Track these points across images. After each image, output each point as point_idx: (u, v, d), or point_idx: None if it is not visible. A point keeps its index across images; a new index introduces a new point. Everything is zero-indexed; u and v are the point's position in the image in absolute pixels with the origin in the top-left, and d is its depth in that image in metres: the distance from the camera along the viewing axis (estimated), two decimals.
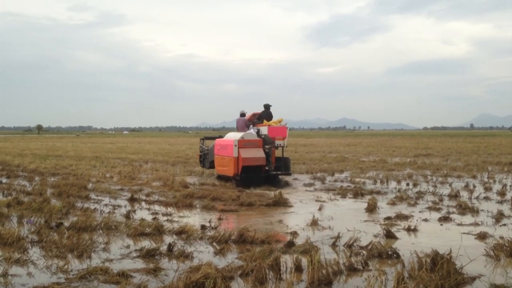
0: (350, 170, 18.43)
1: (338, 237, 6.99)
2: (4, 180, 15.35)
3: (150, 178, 15.31)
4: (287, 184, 14.34)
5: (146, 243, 6.93)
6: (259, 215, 9.61)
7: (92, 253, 6.43)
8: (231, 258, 6.23)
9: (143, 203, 10.84)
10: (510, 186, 13.40)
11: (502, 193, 11.88)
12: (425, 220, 8.75)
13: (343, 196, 11.90)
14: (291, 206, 10.43)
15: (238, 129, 15.84)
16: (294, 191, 12.94)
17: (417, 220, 8.64)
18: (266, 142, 14.29)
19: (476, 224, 8.34)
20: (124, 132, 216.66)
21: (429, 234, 7.60)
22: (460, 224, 8.35)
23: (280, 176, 15.14)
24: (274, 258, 5.58)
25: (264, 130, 14.82)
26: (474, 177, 15.88)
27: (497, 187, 13.21)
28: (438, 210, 9.77)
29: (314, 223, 8.33)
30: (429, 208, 9.93)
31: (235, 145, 13.61)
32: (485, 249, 6.38)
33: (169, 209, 10.05)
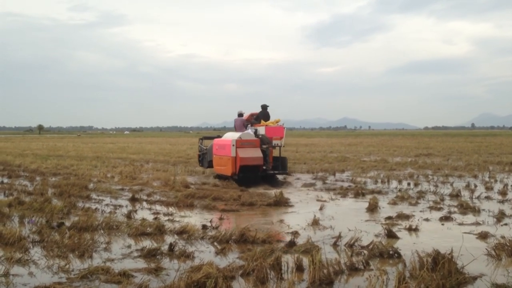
0: (351, 170, 18.43)
1: (339, 237, 6.99)
2: (5, 180, 15.37)
3: (151, 178, 15.31)
4: (288, 184, 14.38)
5: (147, 243, 6.93)
6: (260, 215, 9.62)
7: (94, 253, 6.44)
8: (232, 257, 6.23)
9: (144, 203, 10.85)
10: (511, 185, 13.38)
11: (503, 193, 11.87)
12: (426, 219, 8.74)
13: (344, 195, 11.91)
14: (292, 206, 10.43)
15: (236, 129, 15.94)
16: (295, 190, 12.94)
17: (418, 220, 8.63)
18: (264, 142, 14.44)
19: (477, 223, 8.34)
20: (125, 132, 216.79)
21: (430, 234, 7.60)
22: (461, 224, 8.34)
23: (281, 176, 15.26)
24: (275, 257, 5.59)
25: (261, 130, 14.94)
26: (475, 176, 15.86)
27: (498, 186, 13.20)
28: (439, 209, 9.76)
29: (315, 222, 8.33)
30: (430, 208, 9.92)
31: (233, 145, 13.78)
32: (486, 249, 6.38)
33: (170, 209, 10.06)
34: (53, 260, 6.04)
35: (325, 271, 5.23)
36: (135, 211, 9.66)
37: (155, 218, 8.83)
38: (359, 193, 11.95)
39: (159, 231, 7.63)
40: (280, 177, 15.56)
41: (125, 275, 5.33)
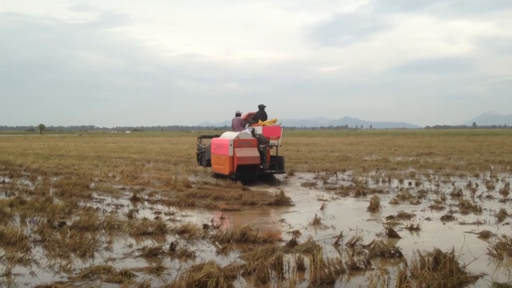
0: (352, 169, 18.42)
1: (340, 236, 6.99)
2: (7, 180, 15.39)
3: (152, 177, 15.33)
4: (289, 183, 14.39)
5: (149, 242, 6.94)
6: (261, 214, 9.62)
7: (95, 252, 6.45)
8: (234, 257, 6.23)
9: (145, 202, 10.85)
10: None
11: (504, 192, 11.86)
12: (428, 219, 8.73)
13: (345, 195, 11.90)
14: (293, 205, 10.43)
15: (234, 128, 16.14)
16: (296, 190, 12.94)
17: (419, 219, 8.62)
18: (261, 142, 14.62)
19: (478, 223, 8.33)
20: (126, 132, 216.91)
21: (431, 233, 7.59)
22: (462, 223, 8.34)
23: (282, 175, 15.35)
24: (277, 257, 5.59)
25: (259, 129, 15.14)
26: (476, 176, 15.84)
27: (499, 186, 13.18)
28: (440, 209, 9.75)
29: (316, 222, 8.33)
30: (432, 207, 9.91)
31: (231, 145, 13.98)
32: (488, 248, 6.38)
33: (172, 209, 10.06)
34: (55, 260, 6.05)
35: (326, 270, 5.23)
36: (137, 210, 9.66)
37: (157, 218, 8.84)
38: (360, 193, 11.94)
39: (161, 230, 7.64)
40: (281, 176, 15.65)
41: (126, 274, 5.34)
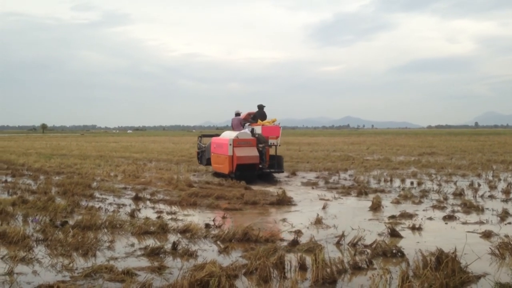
0: (354, 169, 18.41)
1: (342, 236, 6.98)
2: (9, 179, 15.41)
3: (154, 177, 15.34)
4: (291, 183, 14.39)
5: (151, 242, 6.95)
6: (263, 214, 9.62)
7: (97, 251, 6.45)
8: (236, 256, 6.24)
9: (147, 202, 10.86)
10: None
11: (507, 192, 11.84)
12: (430, 218, 8.73)
13: (347, 194, 11.90)
14: (295, 205, 10.43)
15: (233, 128, 16.26)
16: (298, 189, 12.93)
17: (421, 219, 8.61)
18: (260, 141, 14.76)
19: (481, 222, 8.32)
20: (128, 131, 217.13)
21: (433, 233, 7.59)
22: (465, 223, 8.33)
23: (284, 175, 15.42)
24: (278, 256, 5.59)
25: (258, 129, 15.27)
26: (478, 175, 15.82)
27: (502, 185, 13.15)
28: (442, 208, 9.74)
29: (318, 221, 8.33)
30: (434, 207, 9.90)
31: (230, 144, 14.14)
32: (490, 248, 6.37)
33: (174, 208, 10.07)
34: (57, 259, 6.06)
35: (328, 270, 5.22)
36: (139, 210, 9.67)
37: (158, 217, 8.85)
38: (362, 192, 11.93)
39: (162, 230, 7.64)
40: (282, 175, 15.70)
41: (128, 273, 5.34)
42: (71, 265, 5.77)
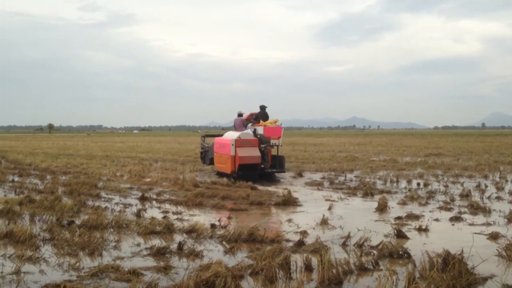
0: (360, 170, 18.37)
1: (348, 237, 6.96)
2: (16, 179, 15.49)
3: (160, 177, 15.37)
4: (296, 183, 14.38)
5: (157, 242, 6.96)
6: (269, 214, 9.62)
7: (103, 251, 6.47)
8: (241, 257, 6.23)
9: (153, 202, 10.88)
10: None
11: None
12: (436, 220, 8.69)
13: (353, 195, 11.87)
14: (300, 205, 10.42)
15: (236, 128, 16.51)
16: (303, 190, 12.92)
17: (428, 220, 8.58)
18: (262, 141, 14.95)
19: (488, 224, 8.28)
20: (134, 131, 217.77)
21: (440, 234, 7.55)
22: (471, 224, 8.29)
23: (290, 175, 15.49)
24: (284, 257, 5.59)
25: (260, 129, 15.44)
26: (485, 177, 15.75)
27: (509, 187, 13.09)
28: (449, 210, 9.70)
29: (324, 222, 8.32)
30: (440, 208, 9.86)
31: (233, 144, 14.38)
32: (497, 249, 6.33)
33: (179, 208, 10.08)
34: (64, 258, 6.08)
35: (334, 271, 5.22)
36: (145, 209, 9.69)
37: (164, 217, 8.86)
38: (368, 193, 11.91)
39: (168, 229, 7.66)
40: (288, 176, 15.75)
41: (134, 273, 5.35)
42: (77, 264, 5.79)
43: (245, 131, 15.57)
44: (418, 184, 13.81)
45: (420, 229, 7.80)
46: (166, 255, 6.26)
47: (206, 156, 17.70)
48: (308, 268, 5.57)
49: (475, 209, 9.61)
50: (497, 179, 14.96)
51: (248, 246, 6.82)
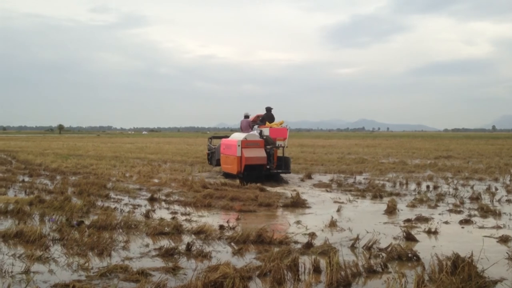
0: (369, 172, 18.31)
1: (357, 239, 6.94)
2: (26, 179, 15.61)
3: (169, 178, 15.42)
4: (305, 185, 14.37)
5: (165, 242, 6.98)
6: (277, 216, 9.62)
7: (112, 251, 6.50)
8: (249, 258, 6.24)
9: (162, 202, 10.91)
10: None
11: None
12: (446, 222, 8.64)
13: (362, 197, 11.83)
14: (309, 207, 10.40)
15: (242, 130, 16.77)
16: (312, 192, 12.90)
17: (437, 223, 8.53)
18: (268, 143, 15.25)
19: (498, 227, 8.21)
20: (143, 132, 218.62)
21: (450, 237, 7.51)
22: (481, 227, 8.22)
23: (298, 176, 15.59)
24: (292, 259, 5.58)
25: (266, 131, 15.61)
26: (496, 179, 15.63)
27: None
28: (459, 212, 9.64)
29: (332, 224, 8.30)
30: (450, 211, 9.80)
31: (239, 145, 14.59)
32: (507, 253, 6.29)
33: (188, 209, 10.10)
34: (73, 258, 6.12)
35: (342, 273, 5.20)
36: (153, 210, 9.72)
37: (173, 218, 8.88)
38: (377, 195, 11.86)
39: (177, 230, 7.68)
40: (297, 177, 15.79)
41: (143, 273, 5.38)
42: (86, 264, 5.83)
43: (251, 133, 15.81)
44: (428, 186, 13.73)
45: (429, 232, 7.75)
46: (175, 256, 6.28)
47: (213, 158, 17.93)
48: (317, 270, 5.55)
49: (485, 212, 9.54)
50: (508, 182, 14.85)
51: (256, 247, 6.82)
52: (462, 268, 5.03)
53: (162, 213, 9.47)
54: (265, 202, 10.64)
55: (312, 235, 7.45)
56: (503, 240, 7.18)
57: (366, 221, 8.73)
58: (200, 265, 5.77)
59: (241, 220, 8.93)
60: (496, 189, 13.15)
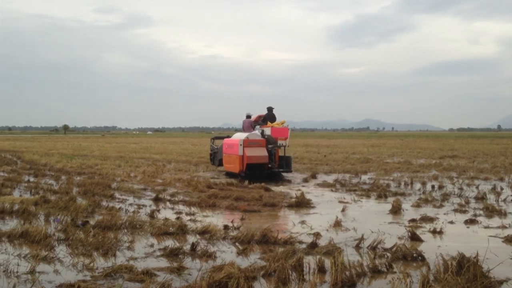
0: (374, 172, 18.27)
1: (361, 239, 6.92)
2: (31, 179, 15.67)
3: (174, 178, 15.44)
4: (309, 185, 14.36)
5: (170, 242, 6.98)
6: (282, 216, 9.62)
7: (117, 251, 6.51)
8: (254, 258, 6.23)
9: (167, 203, 10.93)
10: None
11: None
12: (451, 222, 8.61)
13: (367, 197, 11.81)
14: (314, 207, 10.39)
15: (244, 129, 16.99)
16: (317, 192, 12.88)
17: (442, 223, 8.50)
18: (270, 142, 15.46)
19: (503, 227, 8.17)
20: (148, 132, 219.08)
21: (455, 237, 7.48)
22: (487, 227, 8.19)
23: (303, 176, 15.65)
24: (297, 259, 5.57)
25: (267, 130, 15.82)
26: (501, 179, 15.56)
27: None
28: (464, 212, 9.60)
29: (337, 224, 8.28)
30: (455, 211, 9.77)
31: (241, 144, 14.89)
32: None
33: (193, 209, 10.11)
34: (78, 258, 6.14)
35: (347, 273, 5.19)
36: (158, 210, 9.74)
37: (178, 218, 8.89)
38: (382, 195, 11.84)
39: (182, 230, 7.68)
40: (300, 177, 15.78)
41: (148, 273, 5.38)
42: (91, 264, 5.84)
43: (253, 132, 16.12)
44: (433, 186, 13.68)
45: (434, 232, 7.73)
46: (179, 256, 6.29)
47: (216, 158, 18.18)
48: (321, 270, 5.55)
49: (491, 211, 9.50)
50: None
51: (261, 247, 6.82)
52: (468, 268, 5.01)
53: (167, 213, 9.48)
54: (270, 202, 10.64)
55: (317, 235, 7.44)
56: (509, 240, 7.14)
57: (371, 221, 8.71)
58: (204, 265, 5.77)
59: (246, 220, 8.93)
60: (502, 188, 13.09)
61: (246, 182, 13.90)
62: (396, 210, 9.70)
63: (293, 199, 10.89)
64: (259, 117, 17.20)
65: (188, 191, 12.59)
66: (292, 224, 8.61)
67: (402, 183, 14.45)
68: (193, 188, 13.01)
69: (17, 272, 5.53)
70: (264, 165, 15.29)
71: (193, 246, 6.56)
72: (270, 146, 15.44)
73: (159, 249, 6.62)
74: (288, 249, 6.31)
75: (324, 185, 14.24)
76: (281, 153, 16.01)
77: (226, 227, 8.05)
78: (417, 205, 10.45)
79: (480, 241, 7.05)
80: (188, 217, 9.08)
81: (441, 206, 10.40)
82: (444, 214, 9.47)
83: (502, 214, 9.35)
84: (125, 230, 7.81)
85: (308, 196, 11.24)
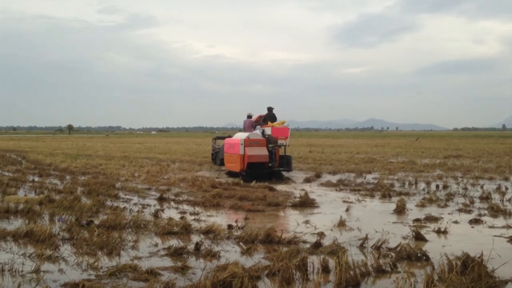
0: (378, 171, 18.24)
1: (366, 239, 6.92)
2: (36, 179, 15.73)
3: (178, 177, 15.47)
4: (313, 184, 14.36)
5: (174, 242, 6.99)
6: (286, 215, 9.61)
7: (121, 250, 6.53)
8: (258, 258, 6.23)
9: (171, 202, 10.94)
10: None
11: None
12: (456, 222, 8.58)
13: (371, 197, 11.79)
14: (318, 207, 10.38)
15: (245, 129, 17.26)
16: (321, 191, 12.87)
17: (447, 222, 8.48)
18: (270, 142, 15.66)
19: (508, 226, 8.14)
20: (152, 132, 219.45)
21: (459, 237, 7.46)
22: (491, 227, 8.16)
23: (306, 176, 15.72)
24: (301, 258, 5.57)
25: (268, 130, 16.01)
26: (506, 179, 15.50)
27: None
28: (468, 212, 9.58)
29: (341, 224, 8.27)
30: (460, 210, 9.74)
31: (242, 144, 15.10)
32: None
33: (197, 209, 10.12)
34: (82, 258, 6.15)
35: (351, 272, 5.19)
36: (162, 210, 9.75)
37: (182, 218, 8.90)
38: (386, 195, 11.82)
39: (186, 230, 7.69)
40: (306, 177, 15.79)
41: (152, 273, 5.39)
42: (96, 264, 5.85)
43: (254, 132, 16.36)
44: (437, 186, 13.64)
45: (439, 232, 7.71)
46: (184, 256, 6.30)
47: (217, 157, 18.40)
48: (325, 269, 5.54)
49: (495, 211, 9.47)
50: None
51: (265, 247, 6.82)
52: (472, 268, 5.00)
53: (171, 213, 9.49)
54: (274, 202, 10.64)
55: (321, 234, 7.43)
56: None
57: (375, 221, 8.70)
58: (209, 265, 5.77)
59: (250, 220, 8.93)
60: (507, 188, 13.04)
61: (254, 182, 13.94)
62: (400, 210, 9.68)
63: (297, 199, 10.89)
64: (260, 117, 17.40)
65: (192, 191, 12.61)
66: (296, 223, 8.61)
67: (407, 183, 14.42)
68: (197, 187, 13.03)
69: (22, 271, 5.55)
70: (265, 164, 15.52)
71: (197, 246, 6.57)
72: (270, 145, 15.66)
73: (164, 249, 6.63)
74: (292, 248, 6.31)
75: (328, 184, 14.22)
76: (281, 152, 16.20)
77: (230, 226, 8.05)
78: (422, 205, 10.43)
79: (484, 241, 7.02)
80: (192, 217, 9.09)
81: (445, 206, 10.37)
82: (449, 214, 9.45)
83: (506, 214, 9.31)
84: (130, 230, 7.83)
85: (312, 196, 11.24)
